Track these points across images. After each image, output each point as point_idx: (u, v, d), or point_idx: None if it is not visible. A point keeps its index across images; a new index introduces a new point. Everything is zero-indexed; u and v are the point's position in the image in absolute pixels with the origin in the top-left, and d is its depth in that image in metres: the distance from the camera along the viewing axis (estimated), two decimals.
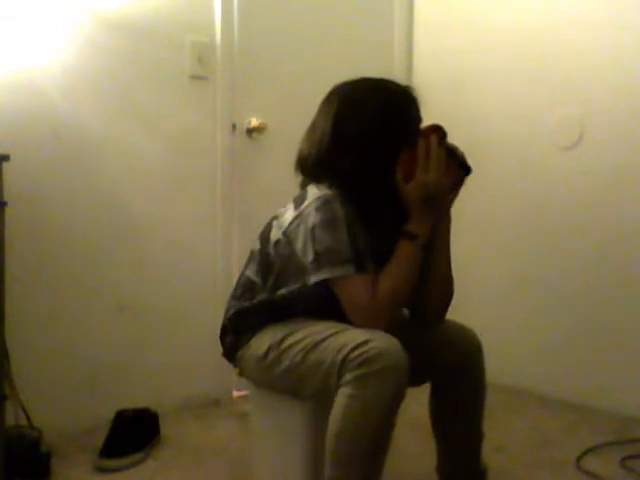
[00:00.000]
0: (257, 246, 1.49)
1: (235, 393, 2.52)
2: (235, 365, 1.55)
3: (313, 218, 1.33)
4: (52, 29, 2.08)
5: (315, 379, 1.32)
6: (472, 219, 2.49)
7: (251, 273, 1.49)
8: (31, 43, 2.04)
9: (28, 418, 1.88)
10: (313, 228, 1.33)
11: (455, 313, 1.53)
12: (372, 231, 1.39)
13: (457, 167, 1.41)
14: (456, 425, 1.54)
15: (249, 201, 2.53)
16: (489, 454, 1.69)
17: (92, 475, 1.86)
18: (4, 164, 1.67)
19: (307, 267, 1.35)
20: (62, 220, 2.14)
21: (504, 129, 2.68)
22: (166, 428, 2.13)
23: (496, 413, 2.06)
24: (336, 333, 1.31)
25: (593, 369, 2.41)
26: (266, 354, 1.40)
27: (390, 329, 1.30)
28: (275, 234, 1.43)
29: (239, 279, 1.53)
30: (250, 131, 2.53)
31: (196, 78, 2.40)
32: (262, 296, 1.46)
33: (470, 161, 1.43)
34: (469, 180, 1.44)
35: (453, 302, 1.51)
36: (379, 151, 1.39)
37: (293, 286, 1.41)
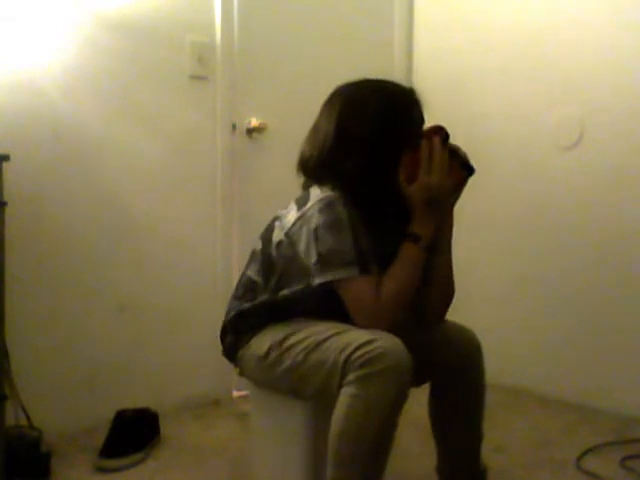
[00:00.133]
0: (259, 246, 1.49)
1: (235, 393, 2.52)
2: (235, 365, 1.55)
3: (316, 219, 1.33)
4: (52, 29, 2.08)
5: (317, 379, 1.32)
6: (472, 219, 2.49)
7: (253, 273, 1.49)
8: (31, 43, 2.04)
9: (28, 418, 1.88)
10: (316, 229, 1.33)
11: (455, 313, 1.53)
12: (375, 233, 1.39)
13: (460, 168, 1.41)
14: (456, 425, 1.54)
15: (249, 201, 2.53)
16: (489, 454, 1.69)
17: (92, 475, 1.86)
18: (4, 164, 1.67)
19: (310, 268, 1.35)
20: (62, 220, 2.14)
21: (504, 129, 2.68)
22: (166, 428, 2.13)
23: (496, 413, 2.06)
24: (338, 333, 1.31)
25: (593, 369, 2.41)
26: (267, 354, 1.41)
27: (391, 329, 1.30)
28: (277, 235, 1.43)
29: (240, 279, 1.53)
30: (250, 131, 2.53)
31: (196, 78, 2.40)
32: (264, 297, 1.46)
33: (471, 161, 1.43)
34: (469, 180, 1.44)
35: (453, 302, 1.51)
36: (381, 153, 1.39)
37: (295, 287, 1.41)
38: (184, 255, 2.41)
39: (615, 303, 2.36)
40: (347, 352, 1.25)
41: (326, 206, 1.33)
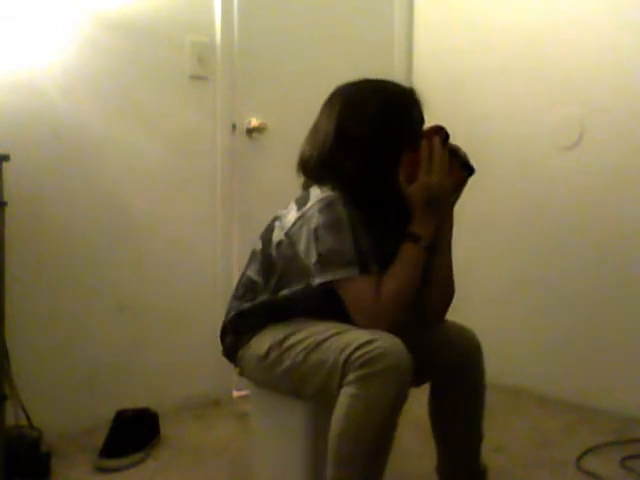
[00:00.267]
0: (259, 246, 1.49)
1: (235, 393, 2.52)
2: (235, 365, 1.55)
3: (316, 219, 1.33)
4: (52, 29, 2.08)
5: (317, 379, 1.32)
6: (472, 219, 2.49)
7: (253, 273, 1.49)
8: (31, 43, 2.04)
9: (28, 418, 1.88)
10: (316, 229, 1.33)
11: (455, 313, 1.53)
12: (375, 233, 1.39)
13: (460, 168, 1.41)
14: (456, 425, 1.54)
15: (249, 201, 2.53)
16: (489, 454, 1.69)
17: (92, 475, 1.86)
18: (4, 164, 1.67)
19: (310, 268, 1.35)
20: (62, 220, 2.14)
21: (504, 129, 2.68)
22: (166, 428, 2.13)
23: (496, 413, 2.06)
24: (338, 333, 1.31)
25: (593, 369, 2.41)
26: (267, 354, 1.41)
27: (391, 329, 1.30)
28: (277, 235, 1.43)
29: (240, 279, 1.53)
30: (250, 131, 2.53)
31: (196, 78, 2.40)
32: (264, 297, 1.46)
33: (471, 161, 1.43)
34: (469, 180, 1.44)
35: (453, 302, 1.51)
36: (381, 153, 1.39)
37: (296, 287, 1.41)
38: (184, 255, 2.41)
39: (615, 303, 2.36)
40: (347, 352, 1.25)
41: (326, 206, 1.33)
